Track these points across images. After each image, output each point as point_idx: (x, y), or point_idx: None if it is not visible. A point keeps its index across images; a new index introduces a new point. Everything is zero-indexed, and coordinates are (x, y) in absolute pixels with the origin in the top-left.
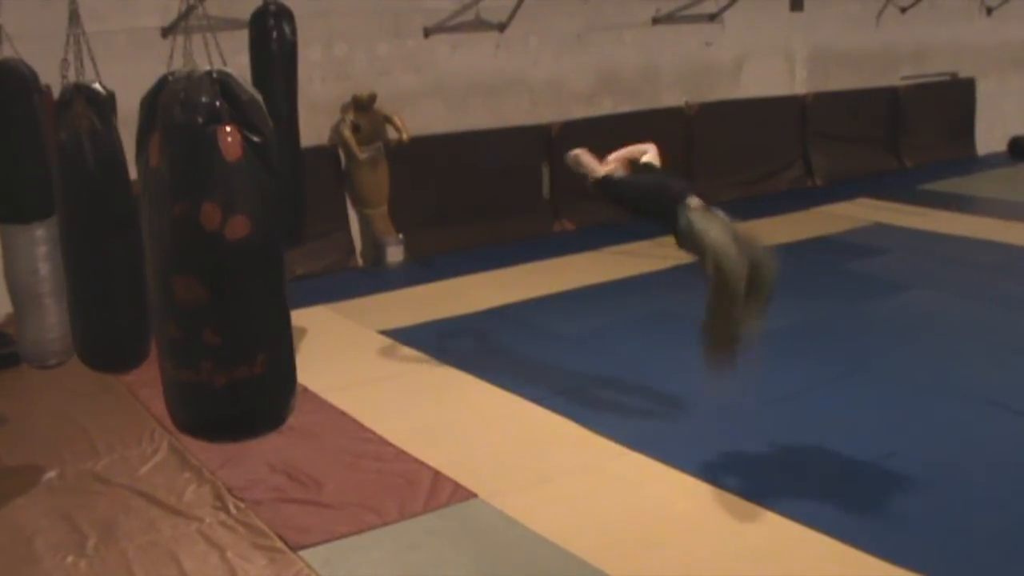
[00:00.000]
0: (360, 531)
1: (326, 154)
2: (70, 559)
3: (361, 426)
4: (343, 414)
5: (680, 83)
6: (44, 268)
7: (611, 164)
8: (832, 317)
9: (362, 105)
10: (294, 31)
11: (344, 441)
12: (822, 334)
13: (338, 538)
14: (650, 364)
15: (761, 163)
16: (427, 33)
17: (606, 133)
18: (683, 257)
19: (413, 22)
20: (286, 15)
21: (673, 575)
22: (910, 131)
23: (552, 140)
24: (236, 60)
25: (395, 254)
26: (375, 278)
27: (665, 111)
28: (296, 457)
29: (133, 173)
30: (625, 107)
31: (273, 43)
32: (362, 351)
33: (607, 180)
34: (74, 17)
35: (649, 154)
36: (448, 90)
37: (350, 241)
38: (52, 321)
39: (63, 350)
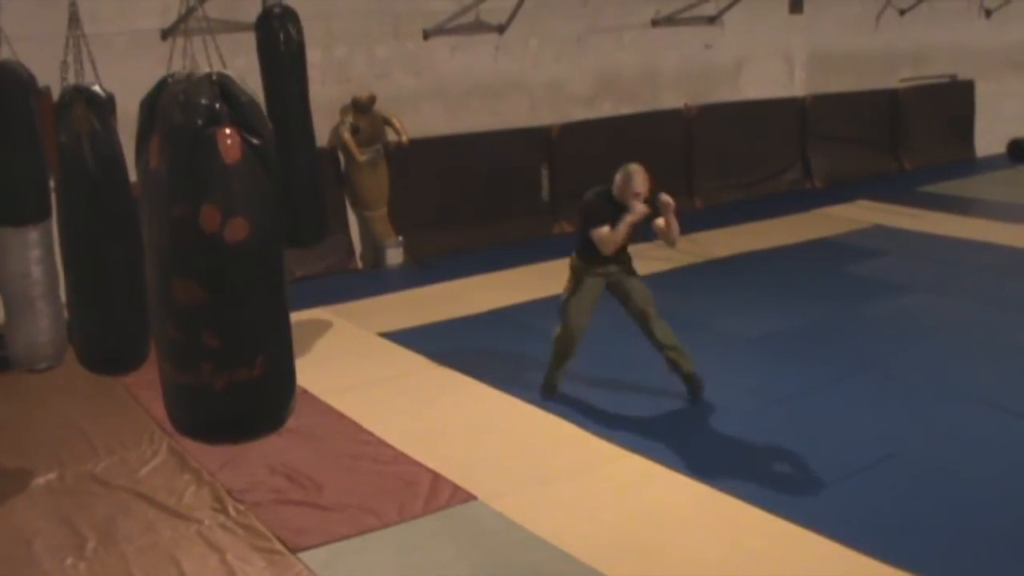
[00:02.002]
0: (359, 533)
1: (325, 156)
2: (69, 561)
3: (360, 428)
4: (342, 416)
5: (680, 85)
6: (37, 271)
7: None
8: (831, 319)
9: (361, 107)
10: (300, 32)
11: (343, 443)
12: (821, 336)
13: (337, 540)
14: (650, 365)
15: (760, 165)
16: (426, 35)
17: (606, 135)
18: (682, 259)
19: (412, 24)
20: (291, 17)
21: None
22: (909, 133)
23: (552, 142)
24: (236, 62)
25: (395, 256)
26: (375, 280)
27: (665, 113)
28: (295, 459)
29: (133, 175)
30: (625, 109)
31: (282, 45)
32: (362, 353)
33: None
34: (74, 19)
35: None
36: (448, 92)
37: (350, 243)
38: (44, 325)
39: (54, 354)
